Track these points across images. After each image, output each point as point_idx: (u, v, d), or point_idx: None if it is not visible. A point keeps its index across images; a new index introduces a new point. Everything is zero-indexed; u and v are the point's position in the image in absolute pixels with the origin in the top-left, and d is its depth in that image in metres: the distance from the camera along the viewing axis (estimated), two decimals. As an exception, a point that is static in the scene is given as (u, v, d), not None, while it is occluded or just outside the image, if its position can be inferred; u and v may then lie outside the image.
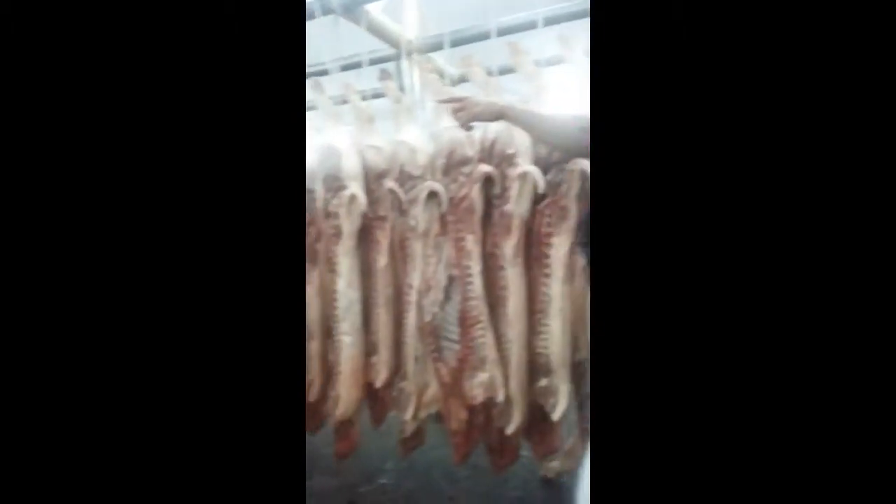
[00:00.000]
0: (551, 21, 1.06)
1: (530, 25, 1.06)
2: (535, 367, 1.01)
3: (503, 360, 1.02)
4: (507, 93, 1.03)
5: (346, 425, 1.26)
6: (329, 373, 1.24)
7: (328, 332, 1.24)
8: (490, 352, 1.02)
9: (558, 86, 0.98)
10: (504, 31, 1.08)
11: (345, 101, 1.23)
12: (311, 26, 1.16)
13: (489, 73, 1.03)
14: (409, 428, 1.18)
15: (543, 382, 0.99)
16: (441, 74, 1.32)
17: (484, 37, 1.11)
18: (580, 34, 0.94)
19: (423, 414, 1.17)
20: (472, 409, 1.06)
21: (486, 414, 1.06)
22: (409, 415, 1.16)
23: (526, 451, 1.12)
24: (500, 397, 1.01)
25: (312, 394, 1.26)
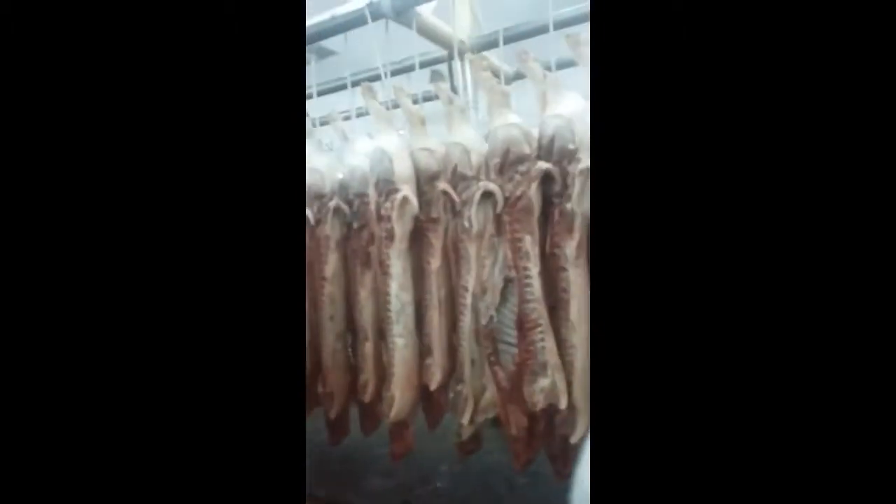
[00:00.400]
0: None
1: (588, 17, 1.03)
2: (600, 372, 0.97)
3: (566, 365, 0.98)
4: (567, 88, 0.99)
5: (400, 427, 1.26)
6: (383, 374, 1.25)
7: (381, 335, 1.24)
8: (551, 357, 0.99)
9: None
10: (561, 24, 1.05)
11: (397, 105, 1.23)
12: (362, 32, 1.17)
13: (547, 68, 1.00)
14: (466, 432, 1.17)
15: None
16: (496, 73, 1.31)
17: (541, 31, 1.08)
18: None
19: (480, 418, 1.15)
20: (532, 416, 1.03)
21: (547, 421, 1.03)
22: (465, 418, 1.14)
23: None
24: (563, 404, 0.98)
25: (367, 395, 1.27)
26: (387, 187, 1.19)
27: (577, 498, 0.56)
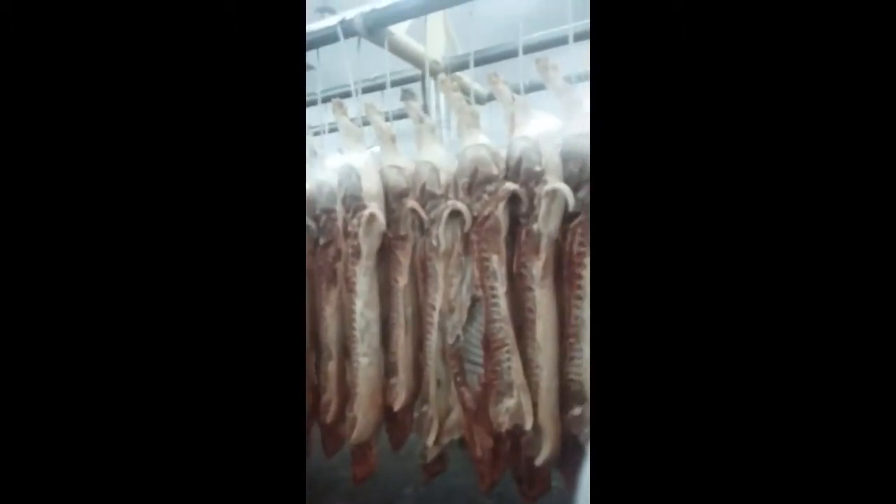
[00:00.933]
0: (582, 37, 1.05)
1: (560, 42, 1.05)
2: (568, 394, 0.97)
3: (532, 385, 0.98)
4: (537, 109, 1.01)
5: (363, 448, 1.22)
6: (346, 394, 1.22)
7: (346, 353, 1.22)
8: (517, 377, 0.99)
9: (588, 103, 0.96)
10: (532, 49, 1.08)
11: (367, 123, 1.23)
12: (334, 48, 1.17)
13: (516, 91, 1.02)
14: (431, 453, 1.15)
15: (577, 411, 0.95)
16: (466, 93, 1.32)
17: (511, 54, 1.10)
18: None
19: (445, 439, 1.13)
20: (498, 437, 1.02)
21: (513, 442, 1.02)
22: (430, 439, 1.13)
23: (558, 482, 1.07)
24: (529, 425, 0.97)
25: (329, 415, 1.24)
26: (354, 203, 1.17)
27: (577, 498, 0.55)
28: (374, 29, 1.18)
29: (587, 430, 0.93)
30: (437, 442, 1.13)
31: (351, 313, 1.18)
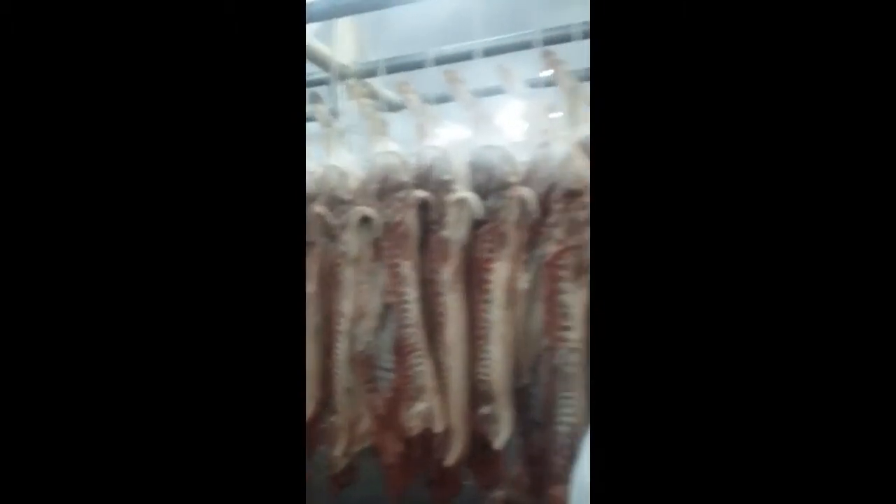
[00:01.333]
0: (491, 52, 1.10)
1: (468, 56, 1.10)
2: (477, 394, 1.00)
3: (442, 388, 1.00)
4: (445, 120, 1.04)
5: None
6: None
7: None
8: (428, 380, 1.00)
9: (498, 116, 1.01)
10: (441, 61, 1.11)
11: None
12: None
13: (426, 101, 1.04)
14: (340, 464, 1.12)
15: (485, 410, 0.98)
16: (376, 100, 1.32)
17: (420, 65, 1.13)
18: (520, 66, 0.99)
19: (355, 448, 1.11)
20: (408, 442, 1.03)
21: (424, 446, 1.03)
22: (339, 450, 1.10)
23: (469, 482, 1.10)
24: (440, 427, 0.99)
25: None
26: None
27: (578, 498, 0.55)
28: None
29: (495, 427, 0.97)
30: (346, 452, 1.11)
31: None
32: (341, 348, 1.10)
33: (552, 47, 0.99)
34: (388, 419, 1.04)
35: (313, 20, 1.07)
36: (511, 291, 0.96)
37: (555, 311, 0.92)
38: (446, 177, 1.01)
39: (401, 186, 1.05)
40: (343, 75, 1.20)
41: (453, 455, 0.99)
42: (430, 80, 1.09)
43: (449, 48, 1.11)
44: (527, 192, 0.93)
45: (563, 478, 0.83)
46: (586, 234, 0.87)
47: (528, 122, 0.98)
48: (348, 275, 1.10)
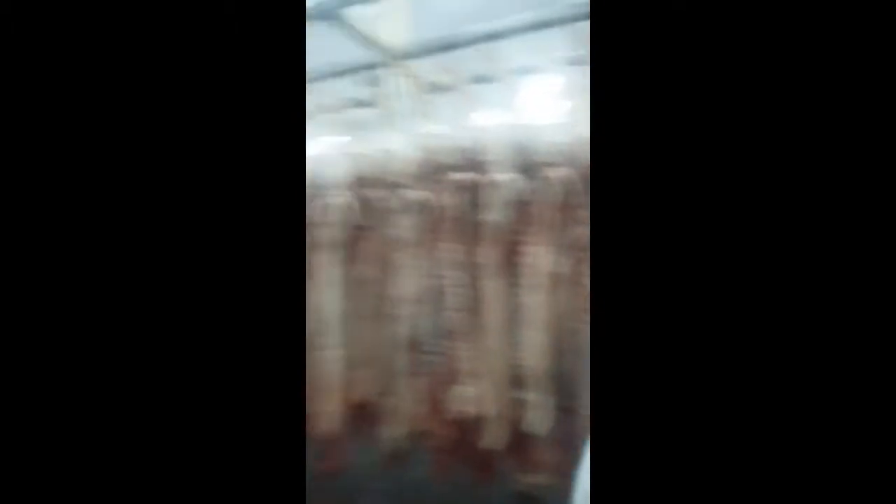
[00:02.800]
0: (528, 28, 1.03)
1: (508, 33, 1.04)
2: (517, 380, 0.98)
3: (486, 373, 0.99)
4: (484, 102, 1.01)
5: (329, 442, 1.23)
6: (310, 388, 1.22)
7: (310, 346, 1.22)
8: (473, 365, 1.00)
9: (538, 95, 0.96)
10: (485, 38, 1.06)
11: (327, 110, 1.21)
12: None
13: (466, 82, 1.01)
14: (394, 445, 1.15)
15: (525, 395, 0.96)
16: (422, 82, 1.30)
17: (465, 44, 1.09)
18: (558, 43, 0.93)
19: (406, 431, 1.14)
20: (454, 425, 1.03)
21: (468, 429, 1.03)
22: (393, 431, 1.13)
23: (508, 467, 1.09)
24: (483, 411, 0.98)
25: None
26: (317, 193, 1.17)
27: (578, 498, 0.55)
28: (331, 12, 1.15)
29: (534, 413, 0.94)
30: (398, 434, 1.14)
31: (315, 305, 1.18)
32: (394, 332, 1.12)
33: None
34: (437, 403, 1.05)
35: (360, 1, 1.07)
36: (552, 276, 0.92)
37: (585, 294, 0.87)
38: (489, 157, 0.98)
39: (448, 168, 1.04)
40: (391, 58, 1.20)
41: (494, 440, 0.98)
42: (468, 60, 1.05)
43: (485, 26, 1.06)
44: (566, 173, 0.88)
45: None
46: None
47: (569, 100, 0.92)
48: (399, 259, 1.11)
